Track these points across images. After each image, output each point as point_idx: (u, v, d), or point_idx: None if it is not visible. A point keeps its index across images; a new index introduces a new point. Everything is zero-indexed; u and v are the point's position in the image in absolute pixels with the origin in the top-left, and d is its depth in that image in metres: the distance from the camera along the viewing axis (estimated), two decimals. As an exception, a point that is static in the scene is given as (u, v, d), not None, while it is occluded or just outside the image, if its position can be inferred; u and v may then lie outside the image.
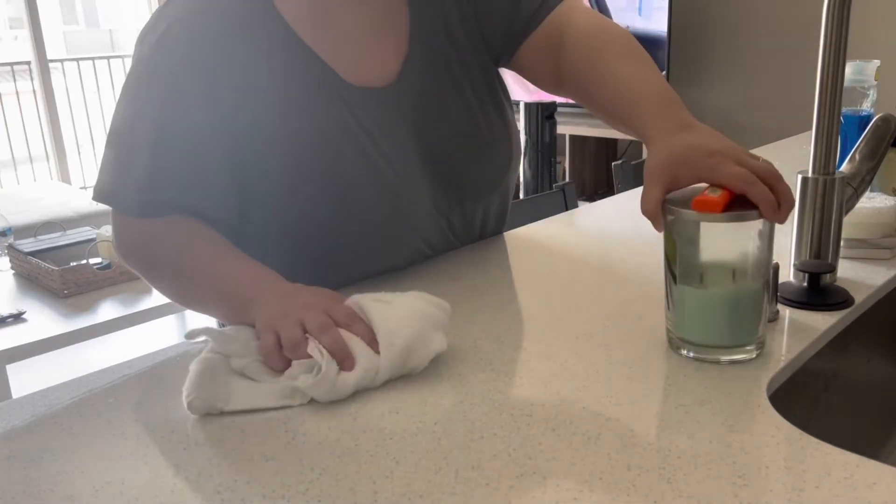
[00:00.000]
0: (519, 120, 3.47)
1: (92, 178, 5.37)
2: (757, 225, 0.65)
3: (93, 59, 5.90)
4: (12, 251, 2.48)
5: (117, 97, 0.86)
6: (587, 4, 3.54)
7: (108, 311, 2.22)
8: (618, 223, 1.20)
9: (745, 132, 3.39)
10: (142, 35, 0.84)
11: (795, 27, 3.27)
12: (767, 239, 0.66)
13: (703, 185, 0.68)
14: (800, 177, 0.85)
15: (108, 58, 6.00)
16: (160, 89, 0.81)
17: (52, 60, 4.61)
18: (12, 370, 2.03)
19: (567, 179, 3.55)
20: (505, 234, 1.11)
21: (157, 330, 2.88)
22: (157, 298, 2.27)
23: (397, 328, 0.67)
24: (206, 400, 0.63)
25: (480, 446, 0.57)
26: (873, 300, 0.86)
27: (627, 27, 3.45)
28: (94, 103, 5.68)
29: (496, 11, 0.97)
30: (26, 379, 2.45)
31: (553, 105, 3.47)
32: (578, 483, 0.52)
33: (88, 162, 5.46)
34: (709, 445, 0.56)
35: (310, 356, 0.66)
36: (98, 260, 2.39)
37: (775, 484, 0.51)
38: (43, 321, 2.15)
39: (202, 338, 0.70)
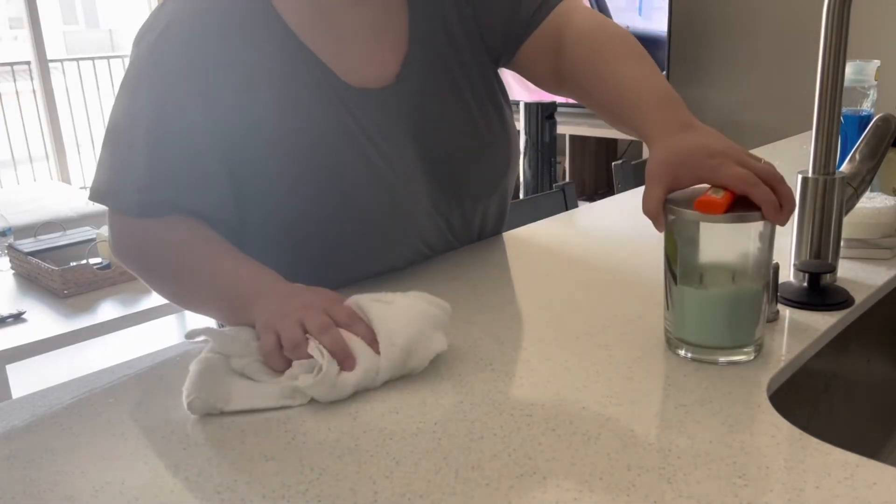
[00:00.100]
0: (519, 120, 3.47)
1: (91, 178, 5.37)
2: (758, 226, 0.65)
3: (93, 59, 5.90)
4: (12, 251, 2.48)
5: (115, 96, 0.86)
6: (587, 4, 3.54)
7: (108, 311, 2.22)
8: (618, 223, 1.20)
9: (745, 132, 3.39)
10: (140, 34, 0.84)
11: (795, 27, 3.27)
12: (768, 240, 0.66)
13: (705, 185, 0.68)
14: (800, 177, 0.85)
15: (108, 58, 6.00)
16: (158, 89, 0.81)
17: (52, 60, 4.62)
18: (12, 370, 2.03)
19: (567, 179, 3.55)
20: (505, 234, 1.11)
21: (157, 330, 2.88)
22: (157, 298, 2.27)
23: (397, 328, 0.67)
24: (206, 400, 0.63)
25: (480, 446, 0.57)
26: (873, 300, 0.86)
27: (627, 27, 3.45)
28: (93, 103, 5.68)
29: (496, 12, 0.97)
30: (26, 379, 2.45)
31: (553, 105, 3.47)
32: (578, 483, 0.52)
33: (88, 162, 5.46)
34: (709, 445, 0.56)
35: (310, 356, 0.66)
36: (98, 260, 2.39)
37: (775, 484, 0.51)
38: (43, 321, 2.15)
39: (202, 338, 0.70)
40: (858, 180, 0.89)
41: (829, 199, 0.84)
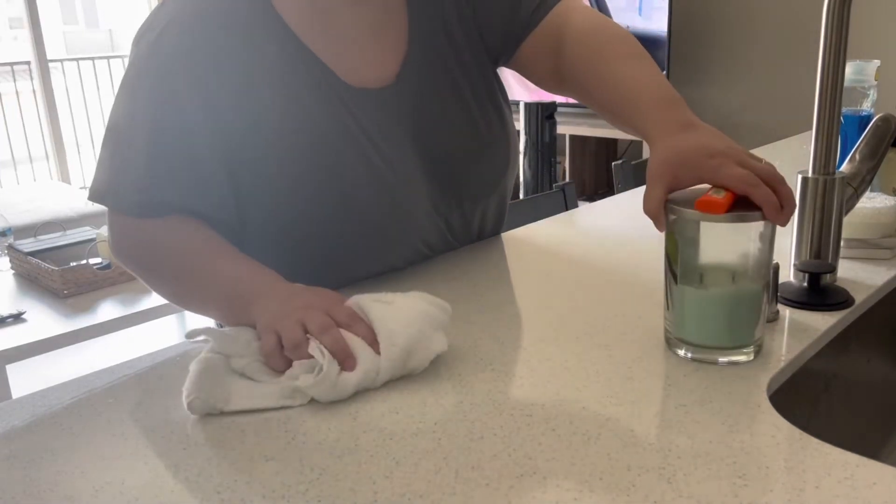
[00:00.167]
0: (519, 120, 3.47)
1: (91, 178, 5.37)
2: (758, 226, 0.65)
3: (93, 59, 5.90)
4: (12, 251, 2.48)
5: (114, 96, 0.85)
6: (587, 4, 3.54)
7: (108, 311, 2.22)
8: (618, 223, 1.20)
9: (745, 132, 3.39)
10: (139, 34, 0.84)
11: (795, 27, 3.27)
12: (768, 240, 0.66)
13: (706, 186, 0.68)
14: (800, 177, 0.85)
15: (108, 58, 6.00)
16: (158, 89, 0.81)
17: (51, 60, 4.62)
18: (12, 370, 2.03)
19: (567, 179, 3.55)
20: (505, 234, 1.11)
21: (157, 330, 2.88)
22: (157, 298, 2.27)
23: (398, 329, 0.67)
24: (206, 400, 0.63)
25: (480, 446, 0.57)
26: (873, 300, 0.86)
27: (627, 27, 3.45)
28: (93, 103, 5.68)
29: (495, 12, 0.97)
30: (26, 379, 2.45)
31: (553, 105, 3.47)
32: (578, 483, 0.52)
33: (88, 162, 5.46)
34: (709, 445, 0.56)
35: (311, 356, 0.66)
36: (98, 260, 2.39)
37: (775, 484, 0.51)
38: (43, 321, 2.15)
39: (202, 337, 0.70)
40: (858, 180, 0.89)
41: (829, 199, 0.84)
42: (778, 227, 0.66)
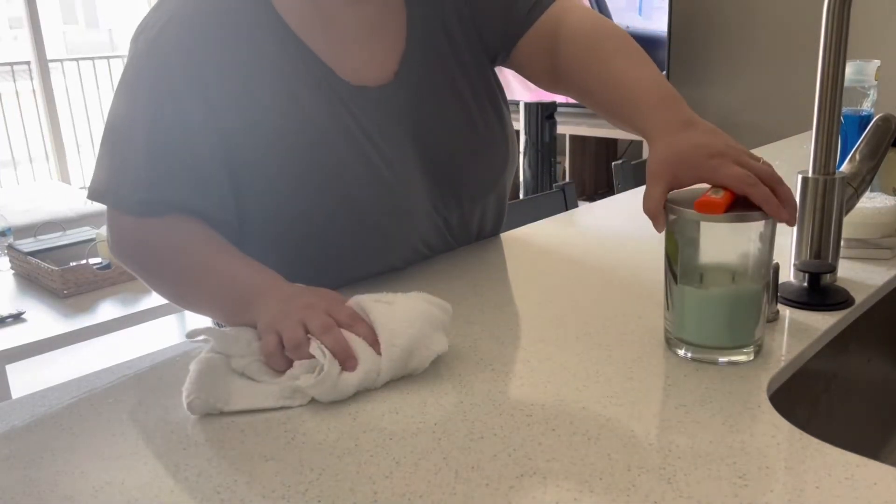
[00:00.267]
0: (519, 120, 3.47)
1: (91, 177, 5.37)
2: (758, 226, 0.65)
3: (93, 59, 5.90)
4: (12, 251, 2.48)
5: (113, 94, 0.85)
6: (587, 4, 3.54)
7: (107, 311, 2.22)
8: (618, 223, 1.20)
9: (745, 132, 3.39)
10: (138, 31, 0.84)
11: (795, 27, 3.27)
12: (768, 240, 0.66)
13: (706, 185, 0.68)
14: (800, 177, 0.85)
15: (108, 58, 6.00)
16: (157, 87, 0.81)
17: (51, 60, 4.62)
18: (12, 370, 2.03)
19: (567, 179, 3.55)
20: (505, 234, 1.11)
21: (157, 330, 2.88)
22: (157, 298, 2.27)
23: (398, 329, 0.67)
24: (206, 400, 0.63)
25: (480, 446, 0.57)
26: (873, 300, 0.86)
27: (627, 27, 3.45)
28: (93, 103, 5.68)
29: (492, 11, 0.97)
30: (26, 379, 2.45)
31: (553, 105, 3.47)
32: (578, 483, 0.52)
33: (88, 162, 5.46)
34: (709, 445, 0.56)
35: (312, 356, 0.66)
36: (98, 260, 2.39)
37: (775, 484, 0.51)
38: (43, 321, 2.15)
39: (202, 337, 0.70)
40: (858, 180, 0.89)
41: (829, 199, 0.84)
42: (778, 227, 0.66)
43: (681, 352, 0.70)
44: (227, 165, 0.83)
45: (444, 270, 0.96)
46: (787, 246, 0.87)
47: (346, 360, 0.65)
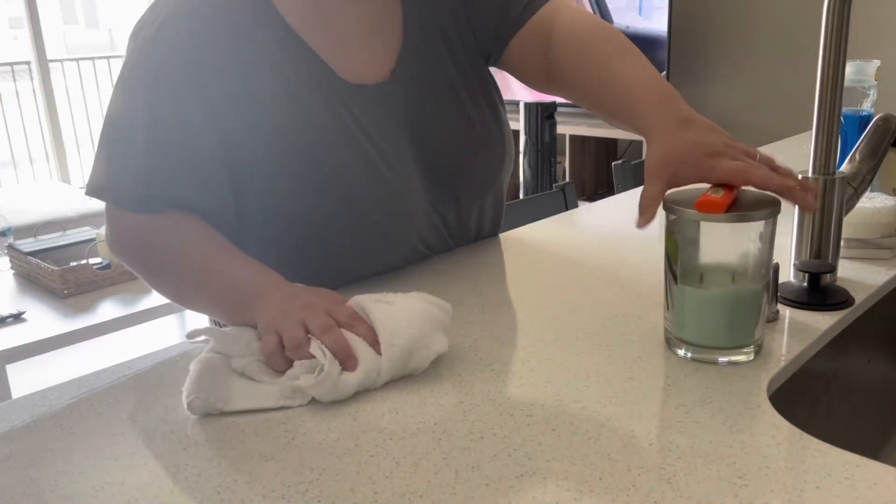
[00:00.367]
0: (519, 120, 3.47)
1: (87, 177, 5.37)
2: (758, 226, 0.65)
3: (93, 59, 5.90)
4: (12, 251, 2.48)
5: (112, 91, 0.85)
6: (587, 4, 3.54)
7: (108, 311, 2.22)
8: (618, 223, 1.20)
9: (745, 132, 3.39)
10: (136, 28, 0.84)
11: (795, 27, 3.27)
12: (768, 240, 0.66)
13: (706, 185, 0.68)
14: (800, 177, 0.85)
15: (108, 58, 6.00)
16: (156, 85, 0.81)
17: (52, 60, 4.62)
18: (12, 370, 2.03)
19: (567, 179, 3.55)
20: (505, 234, 1.11)
21: (157, 330, 2.88)
22: (157, 298, 2.27)
23: (399, 329, 0.67)
24: (206, 400, 0.63)
25: (480, 446, 0.57)
26: (873, 300, 0.86)
27: (627, 27, 3.46)
28: (93, 103, 5.68)
29: (487, 11, 0.98)
30: (26, 379, 2.45)
31: (553, 105, 3.47)
32: (578, 483, 0.52)
33: (88, 162, 5.45)
34: (709, 445, 0.56)
35: (312, 356, 0.66)
36: (98, 260, 2.39)
37: (775, 484, 0.51)
38: (43, 321, 2.15)
39: (203, 337, 0.70)
40: (858, 180, 0.89)
41: (829, 199, 0.84)
42: (778, 227, 0.66)
43: (681, 352, 0.70)
44: (227, 165, 0.83)
45: (443, 270, 0.96)
46: (787, 246, 0.87)
47: (347, 360, 0.65)
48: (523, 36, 0.97)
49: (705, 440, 0.56)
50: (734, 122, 3.49)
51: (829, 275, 0.85)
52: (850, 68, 1.13)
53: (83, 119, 5.64)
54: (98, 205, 3.53)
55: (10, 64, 5.45)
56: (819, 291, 0.81)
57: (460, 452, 0.56)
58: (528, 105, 3.46)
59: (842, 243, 0.88)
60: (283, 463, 0.56)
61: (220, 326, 0.86)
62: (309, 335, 0.67)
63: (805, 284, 0.82)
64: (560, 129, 3.58)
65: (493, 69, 1.03)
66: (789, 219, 0.85)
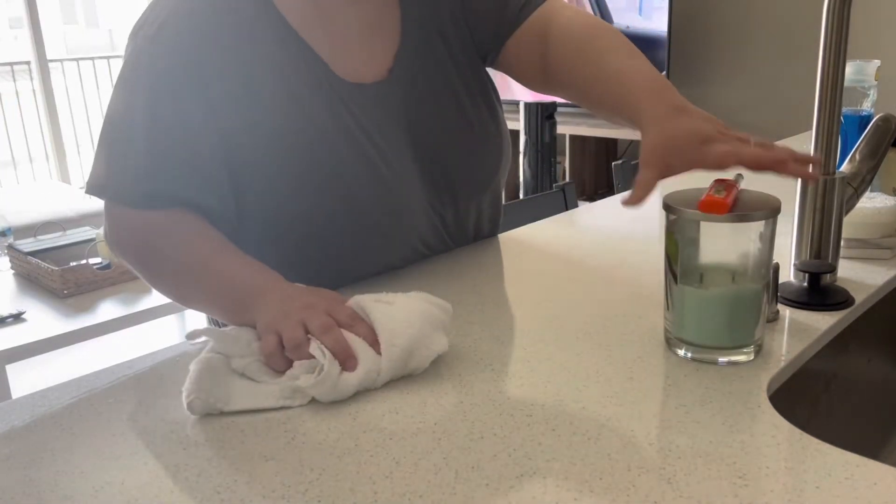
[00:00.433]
0: (519, 120, 3.47)
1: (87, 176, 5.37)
2: (758, 226, 0.65)
3: (93, 59, 5.90)
4: (12, 251, 2.48)
5: (112, 91, 0.85)
6: (587, 4, 3.54)
7: (108, 311, 2.22)
8: (618, 223, 1.20)
9: (745, 132, 3.38)
10: (136, 27, 0.84)
11: (795, 27, 3.27)
12: (768, 241, 0.66)
13: (706, 186, 0.68)
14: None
15: (108, 58, 6.00)
16: (157, 84, 0.81)
17: (52, 60, 4.61)
18: (12, 370, 2.03)
19: (567, 179, 3.55)
20: (505, 234, 1.11)
21: (157, 330, 2.88)
22: (157, 298, 2.27)
23: (398, 329, 0.67)
24: (205, 400, 0.63)
25: (480, 446, 0.57)
26: (873, 300, 0.86)
27: (627, 27, 3.46)
28: (93, 103, 5.68)
29: (485, 12, 0.98)
30: (26, 379, 2.45)
31: (553, 105, 3.47)
32: (578, 483, 0.52)
33: (88, 162, 5.42)
34: (709, 445, 0.56)
35: (312, 357, 0.66)
36: (98, 260, 2.39)
37: (775, 484, 0.51)
38: (43, 321, 2.15)
39: (203, 338, 0.70)
40: (858, 180, 0.89)
41: (829, 199, 0.84)
42: (778, 227, 0.66)
43: (681, 352, 0.70)
44: (228, 165, 0.83)
45: (443, 270, 0.96)
46: (787, 246, 0.87)
47: (346, 360, 0.65)
48: (520, 36, 0.97)
49: (705, 440, 0.56)
50: (734, 122, 3.48)
51: (829, 275, 0.85)
52: (850, 68, 1.13)
53: (83, 119, 5.64)
54: (98, 204, 3.52)
55: (10, 64, 5.45)
56: (819, 291, 0.81)
57: (460, 452, 0.56)
58: (528, 105, 3.45)
59: (842, 243, 0.88)
60: (283, 463, 0.56)
61: (220, 326, 0.86)
62: (309, 335, 0.67)
63: (805, 284, 0.82)
64: (560, 129, 3.58)
65: (490, 70, 1.04)
66: (789, 219, 0.85)
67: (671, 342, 0.71)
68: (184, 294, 0.85)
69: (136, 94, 0.82)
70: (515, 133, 3.52)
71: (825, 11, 0.80)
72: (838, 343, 0.79)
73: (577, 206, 1.54)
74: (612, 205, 1.32)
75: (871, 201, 0.97)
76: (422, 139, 0.94)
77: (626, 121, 0.82)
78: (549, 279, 0.93)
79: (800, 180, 0.84)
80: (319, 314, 0.69)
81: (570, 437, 0.58)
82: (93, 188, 0.83)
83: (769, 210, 0.65)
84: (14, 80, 5.34)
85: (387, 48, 0.93)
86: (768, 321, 0.75)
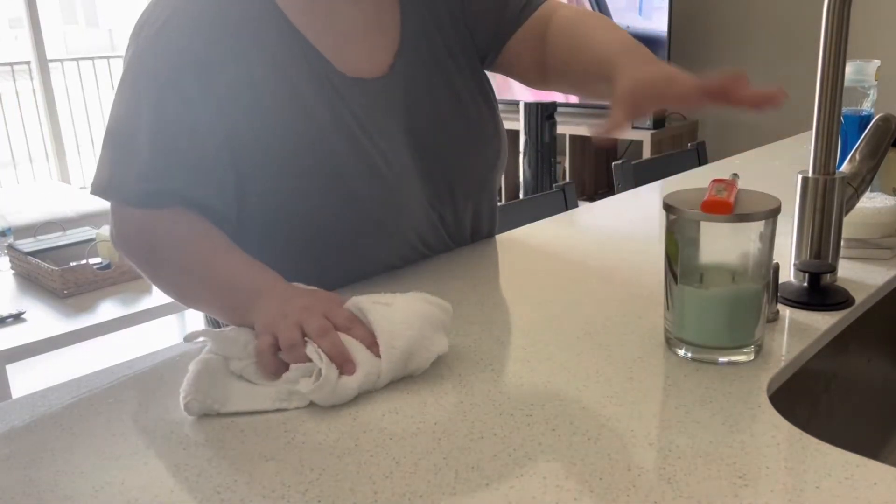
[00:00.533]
0: (519, 120, 3.47)
1: (92, 176, 5.37)
2: (758, 226, 0.65)
3: (93, 59, 5.90)
4: (12, 251, 2.48)
5: (115, 92, 0.85)
6: (587, 4, 3.54)
7: (108, 311, 2.22)
8: (618, 223, 1.20)
9: (745, 132, 3.38)
10: (137, 27, 0.84)
11: (795, 27, 3.27)
12: (768, 241, 0.66)
13: (706, 186, 0.68)
14: (800, 177, 0.85)
15: (108, 58, 6.00)
16: (160, 83, 0.81)
17: (52, 60, 4.61)
18: (12, 370, 2.03)
19: (567, 179, 3.55)
20: (505, 234, 1.11)
21: (157, 330, 2.88)
22: (157, 298, 2.27)
23: (397, 331, 0.67)
24: (202, 401, 0.63)
25: (480, 446, 0.57)
26: (873, 300, 0.86)
27: (627, 27, 3.45)
28: (93, 103, 5.67)
29: (485, 13, 0.99)
30: (26, 379, 2.45)
31: (553, 105, 3.47)
32: (578, 483, 0.52)
33: (88, 162, 5.46)
34: (709, 445, 0.56)
35: (307, 358, 0.65)
36: (98, 260, 2.39)
37: (775, 484, 0.51)
38: (43, 321, 2.15)
39: (201, 339, 0.70)
40: (858, 180, 0.89)
41: (829, 199, 0.84)
42: (778, 227, 0.66)
43: (681, 352, 0.70)
44: (230, 158, 0.83)
45: (444, 270, 0.96)
46: (787, 246, 0.87)
47: (344, 364, 0.65)
48: (520, 36, 0.98)
49: (705, 440, 0.56)
50: (734, 122, 3.49)
51: (829, 275, 0.85)
52: (850, 68, 1.13)
53: (83, 119, 5.64)
54: (98, 205, 3.53)
55: (10, 64, 5.45)
56: (819, 291, 0.81)
57: (460, 452, 0.56)
58: (528, 105, 3.45)
59: (842, 243, 0.88)
60: (283, 463, 0.56)
61: (219, 326, 0.86)
62: (305, 338, 0.67)
63: (805, 284, 0.82)
64: (560, 129, 3.58)
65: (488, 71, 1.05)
66: (789, 219, 0.85)
67: (671, 342, 0.71)
68: (185, 294, 0.85)
69: (139, 94, 0.82)
70: (515, 133, 3.52)
71: (825, 11, 0.80)
72: (838, 343, 0.79)
73: (577, 206, 1.54)
74: (612, 205, 1.32)
75: (871, 201, 0.97)
76: (421, 136, 0.94)
77: (603, 82, 0.85)
78: (549, 279, 0.93)
79: (800, 180, 0.85)
80: (317, 317, 0.68)
81: (570, 437, 0.58)
82: (97, 189, 0.84)
83: (769, 210, 0.65)
84: (14, 80, 5.34)
85: (387, 46, 0.94)
86: (768, 321, 0.75)
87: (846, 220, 0.89)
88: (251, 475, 0.55)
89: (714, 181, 0.68)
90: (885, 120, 0.93)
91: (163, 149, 0.81)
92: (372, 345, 0.67)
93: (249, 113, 0.83)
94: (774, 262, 0.70)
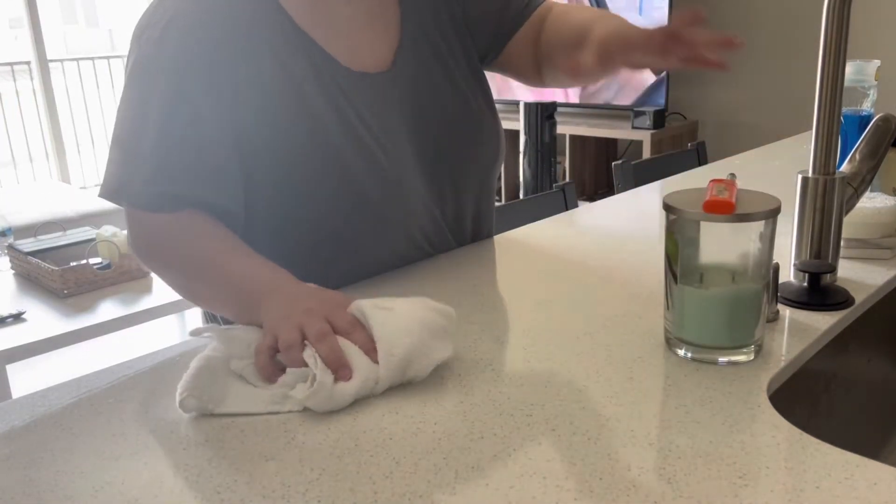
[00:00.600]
0: (519, 120, 3.47)
1: (92, 178, 5.37)
2: (758, 226, 0.65)
3: (93, 59, 5.90)
4: (12, 251, 2.48)
5: (119, 96, 0.85)
6: (587, 3, 3.54)
7: (108, 311, 2.22)
8: (618, 223, 1.20)
9: (745, 132, 3.39)
10: (139, 29, 0.84)
11: (795, 27, 3.27)
12: (768, 241, 0.66)
13: (706, 185, 0.68)
14: (800, 177, 0.85)
15: (108, 58, 6.00)
16: (165, 85, 0.81)
17: (52, 60, 4.61)
18: (12, 370, 2.03)
19: (567, 179, 3.55)
20: (505, 234, 1.11)
21: (157, 330, 2.88)
22: (157, 298, 2.27)
23: (397, 338, 0.66)
24: (198, 398, 0.63)
25: (480, 446, 0.57)
26: (873, 300, 0.86)
27: (627, 27, 3.46)
28: (94, 103, 5.67)
29: (485, 15, 1.00)
30: (26, 379, 2.45)
31: (553, 105, 3.47)
32: (578, 483, 0.52)
33: (88, 162, 5.46)
34: (709, 445, 0.56)
35: (304, 362, 0.65)
36: (98, 260, 2.39)
37: (775, 484, 0.51)
38: (43, 321, 2.15)
39: (207, 335, 0.70)
40: (858, 180, 0.89)
41: (829, 199, 0.84)
42: (778, 226, 0.66)
43: (681, 352, 0.70)
44: (237, 156, 0.83)
45: (444, 270, 0.96)
46: (787, 246, 0.87)
47: (339, 370, 0.64)
48: (521, 36, 1.00)
49: (705, 440, 0.56)
50: (734, 122, 3.49)
51: (829, 275, 0.85)
52: (850, 68, 1.13)
53: (83, 119, 5.63)
54: (98, 205, 3.53)
55: (10, 64, 5.44)
56: (819, 291, 0.81)
57: (460, 452, 0.56)
58: (528, 105, 3.46)
59: (842, 243, 0.88)
60: (283, 463, 0.56)
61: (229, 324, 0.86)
62: (305, 341, 0.66)
63: (805, 284, 0.82)
64: (560, 129, 3.58)
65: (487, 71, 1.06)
66: (789, 219, 0.85)
67: (671, 342, 0.71)
68: (199, 296, 0.85)
69: (145, 98, 0.82)
70: (515, 133, 3.53)
71: (825, 11, 0.80)
72: (838, 343, 0.79)
73: (577, 206, 1.54)
74: (612, 205, 1.32)
75: (871, 201, 0.97)
76: (422, 131, 0.94)
77: (583, 51, 0.86)
78: (549, 279, 0.93)
79: (800, 180, 0.85)
80: (318, 320, 0.68)
81: (570, 437, 0.58)
82: (106, 192, 0.84)
83: (769, 210, 0.65)
84: (14, 80, 5.34)
85: (388, 43, 0.95)
86: (768, 321, 0.75)
87: (846, 220, 0.89)
88: (251, 475, 0.55)
89: (713, 181, 0.68)
90: (885, 120, 0.93)
91: (170, 151, 0.81)
92: (371, 351, 0.66)
93: (256, 112, 0.83)
94: (774, 262, 0.70)
